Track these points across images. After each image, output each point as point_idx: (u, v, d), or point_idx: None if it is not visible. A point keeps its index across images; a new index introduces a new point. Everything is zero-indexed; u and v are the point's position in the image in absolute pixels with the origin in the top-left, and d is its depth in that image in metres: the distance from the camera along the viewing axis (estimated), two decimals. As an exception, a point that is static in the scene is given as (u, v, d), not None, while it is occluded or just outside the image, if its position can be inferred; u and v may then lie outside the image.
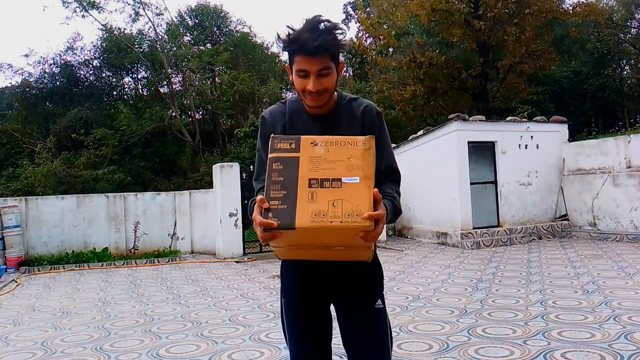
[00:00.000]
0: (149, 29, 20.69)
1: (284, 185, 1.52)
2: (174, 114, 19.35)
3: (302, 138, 1.58)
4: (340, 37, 1.69)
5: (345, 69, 21.63)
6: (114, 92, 21.64)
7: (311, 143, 1.57)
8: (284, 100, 1.94)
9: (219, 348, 4.18)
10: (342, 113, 1.83)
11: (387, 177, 1.82)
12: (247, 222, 10.78)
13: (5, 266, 9.50)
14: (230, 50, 20.69)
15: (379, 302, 1.85)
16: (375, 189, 1.51)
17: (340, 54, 1.77)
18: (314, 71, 1.66)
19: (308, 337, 1.86)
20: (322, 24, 1.66)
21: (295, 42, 1.66)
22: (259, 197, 1.51)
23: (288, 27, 1.71)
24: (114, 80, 21.39)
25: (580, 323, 4.36)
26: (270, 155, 1.56)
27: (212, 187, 11.13)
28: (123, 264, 10.15)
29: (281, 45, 1.72)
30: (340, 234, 1.49)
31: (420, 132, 11.97)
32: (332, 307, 1.92)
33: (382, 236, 11.13)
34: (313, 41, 1.62)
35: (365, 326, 1.82)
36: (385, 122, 1.91)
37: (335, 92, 1.83)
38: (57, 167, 15.53)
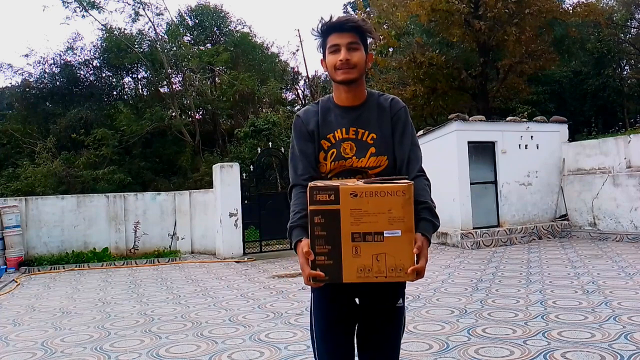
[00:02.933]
0: (149, 29, 20.72)
1: (327, 240, 1.57)
2: (174, 114, 19.36)
3: (341, 189, 1.57)
4: (365, 22, 1.95)
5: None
6: (114, 92, 21.65)
7: (350, 194, 1.57)
8: (317, 102, 2.08)
9: (219, 348, 4.18)
10: (372, 106, 1.99)
11: (417, 172, 1.94)
12: (247, 222, 10.79)
13: (5, 266, 9.50)
14: (230, 50, 20.69)
15: (400, 301, 1.96)
16: (417, 246, 1.61)
17: (368, 40, 1.97)
18: (344, 43, 1.87)
19: (336, 330, 1.96)
20: (351, 16, 2.00)
21: (329, 25, 1.92)
22: (305, 249, 1.62)
23: (322, 18, 1.95)
24: (114, 80, 21.40)
25: (580, 323, 4.36)
26: (310, 208, 1.59)
27: (212, 187, 11.13)
28: (123, 264, 10.14)
29: (317, 31, 1.95)
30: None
31: (420, 132, 11.95)
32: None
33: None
34: (343, 19, 1.90)
35: (383, 324, 1.93)
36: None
37: (366, 90, 2.01)
38: (57, 167, 15.54)
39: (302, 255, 1.64)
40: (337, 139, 1.95)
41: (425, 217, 1.77)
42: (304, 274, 1.64)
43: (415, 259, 1.63)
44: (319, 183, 1.63)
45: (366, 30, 1.91)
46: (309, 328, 2.13)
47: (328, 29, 1.91)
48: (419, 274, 1.60)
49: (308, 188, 1.60)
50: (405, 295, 2.01)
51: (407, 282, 1.99)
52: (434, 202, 1.87)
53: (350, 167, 1.93)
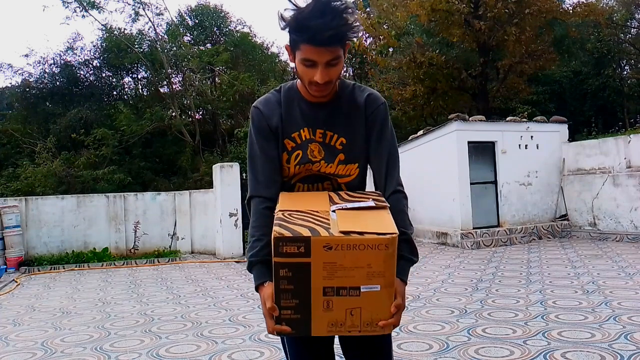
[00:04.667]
0: (149, 29, 20.72)
1: (295, 294, 1.37)
2: (174, 114, 19.36)
3: (313, 241, 1.33)
4: (352, 19, 1.48)
5: (345, 69, 21.62)
6: (114, 92, 21.67)
7: (324, 247, 1.33)
8: (277, 88, 1.73)
9: (219, 348, 4.18)
10: (344, 102, 1.67)
11: (396, 186, 1.66)
12: (247, 222, 10.74)
13: (5, 266, 9.50)
14: (230, 50, 20.70)
15: None
16: (395, 304, 1.40)
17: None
18: (323, 62, 1.49)
19: (309, 344, 1.69)
20: (333, 4, 1.45)
21: (303, 30, 1.46)
22: (268, 303, 1.39)
23: (291, 2, 1.49)
24: (114, 80, 21.41)
25: (580, 323, 4.36)
26: (275, 260, 1.35)
27: (212, 187, 11.13)
28: (123, 264, 10.14)
29: (284, 26, 1.51)
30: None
31: (420, 132, 11.97)
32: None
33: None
34: (326, 30, 1.43)
35: (370, 356, 1.69)
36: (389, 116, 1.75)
37: (338, 81, 1.65)
38: (57, 167, 15.53)
39: (264, 306, 1.42)
40: (303, 139, 1.64)
41: (404, 255, 1.52)
42: (267, 326, 1.43)
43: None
44: (285, 230, 1.34)
45: (353, 33, 1.51)
46: None
47: (300, 35, 1.47)
48: (394, 325, 1.43)
49: (272, 238, 1.33)
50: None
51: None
52: (412, 225, 1.63)
53: (317, 171, 1.65)
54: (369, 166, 1.75)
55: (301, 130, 1.64)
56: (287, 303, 1.37)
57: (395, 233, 1.36)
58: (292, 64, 1.66)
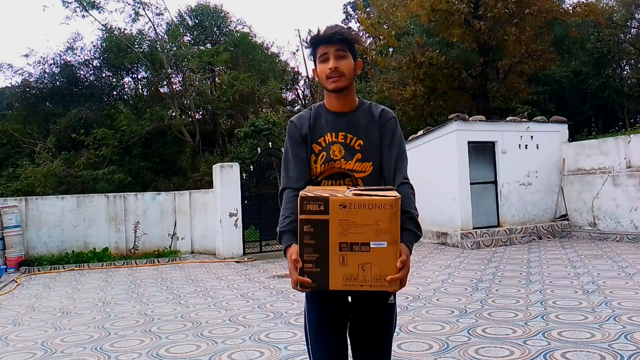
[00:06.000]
0: (149, 29, 20.72)
1: (316, 248, 1.62)
2: (174, 114, 19.35)
3: (331, 200, 1.61)
4: (352, 31, 2.09)
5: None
6: (114, 92, 21.65)
7: (340, 205, 1.61)
8: (309, 108, 2.18)
9: (219, 348, 4.18)
10: (362, 113, 2.09)
11: (402, 179, 2.00)
12: (247, 222, 10.79)
13: (5, 266, 9.50)
14: (230, 50, 20.68)
15: (392, 297, 1.99)
16: (401, 259, 1.64)
17: (356, 49, 2.08)
18: (332, 52, 1.98)
19: (329, 330, 2.01)
20: (338, 25, 2.06)
21: (319, 37, 2.03)
22: (294, 256, 1.67)
23: (310, 30, 2.04)
24: (114, 80, 21.40)
25: (580, 323, 4.36)
26: (300, 217, 1.63)
27: (212, 187, 11.13)
28: (123, 264, 10.14)
29: (307, 43, 2.08)
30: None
31: (420, 132, 11.97)
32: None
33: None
34: (330, 30, 2.01)
35: (375, 320, 1.98)
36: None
37: (357, 99, 2.12)
38: (57, 167, 15.53)
39: (290, 261, 1.70)
40: (327, 142, 2.04)
41: (408, 228, 1.82)
42: (292, 279, 1.70)
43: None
44: (309, 193, 1.65)
45: (352, 39, 2.03)
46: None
47: (317, 42, 2.03)
48: (401, 282, 1.67)
49: (299, 198, 1.64)
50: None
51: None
52: (417, 210, 1.94)
53: (339, 169, 2.02)
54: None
55: (326, 135, 2.05)
56: (309, 257, 1.63)
57: (399, 196, 1.63)
58: (316, 78, 2.13)
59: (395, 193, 1.68)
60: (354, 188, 1.84)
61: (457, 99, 17.27)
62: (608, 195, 10.30)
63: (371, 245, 1.60)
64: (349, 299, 2.01)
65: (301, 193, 1.65)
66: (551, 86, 19.54)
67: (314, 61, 2.07)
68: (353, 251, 1.61)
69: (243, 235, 10.54)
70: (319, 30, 2.05)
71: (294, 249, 1.71)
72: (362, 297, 1.96)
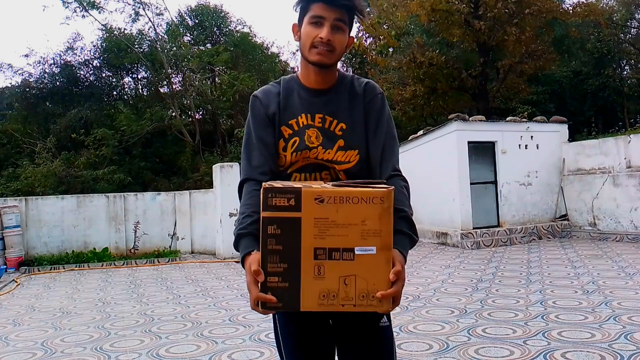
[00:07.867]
0: (149, 29, 20.70)
1: (283, 256, 1.24)
2: (174, 114, 19.34)
3: (304, 192, 1.23)
4: (360, 1, 1.62)
5: (345, 69, 21.62)
6: (114, 92, 21.64)
7: (316, 199, 1.23)
8: (277, 80, 1.74)
9: (219, 348, 4.18)
10: (344, 90, 1.67)
11: (392, 171, 1.60)
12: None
13: (5, 266, 9.50)
14: (230, 50, 20.68)
15: (384, 319, 1.59)
16: (395, 270, 1.27)
17: (354, 22, 1.68)
18: (331, 19, 1.54)
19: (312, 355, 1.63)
20: None
21: None
22: (254, 266, 1.27)
23: None
24: (114, 80, 21.39)
25: (580, 323, 4.36)
26: (263, 214, 1.24)
27: (212, 187, 11.13)
28: (123, 264, 10.14)
29: None
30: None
31: (420, 132, 11.97)
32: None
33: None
34: None
35: (367, 350, 1.58)
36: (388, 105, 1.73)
37: (337, 72, 1.69)
38: (57, 167, 15.52)
39: (249, 273, 1.29)
40: (301, 125, 1.62)
41: (402, 230, 1.43)
42: (251, 297, 1.29)
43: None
44: (276, 183, 1.29)
45: (358, 10, 1.60)
46: None
47: None
48: (394, 300, 1.27)
49: (262, 189, 1.25)
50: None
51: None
52: (412, 208, 1.54)
53: (315, 159, 1.60)
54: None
55: (299, 117, 1.63)
56: (274, 268, 1.24)
57: (392, 188, 1.27)
58: (294, 37, 1.66)
59: (387, 185, 1.31)
60: (333, 182, 1.42)
61: (457, 99, 17.28)
62: (608, 195, 10.29)
63: (356, 252, 1.24)
64: (330, 322, 1.61)
65: (265, 184, 1.27)
66: (551, 86, 19.55)
67: (301, 16, 1.60)
68: (332, 259, 1.24)
69: (243, 235, 10.53)
70: None
71: (255, 258, 1.30)
72: (346, 320, 1.55)
